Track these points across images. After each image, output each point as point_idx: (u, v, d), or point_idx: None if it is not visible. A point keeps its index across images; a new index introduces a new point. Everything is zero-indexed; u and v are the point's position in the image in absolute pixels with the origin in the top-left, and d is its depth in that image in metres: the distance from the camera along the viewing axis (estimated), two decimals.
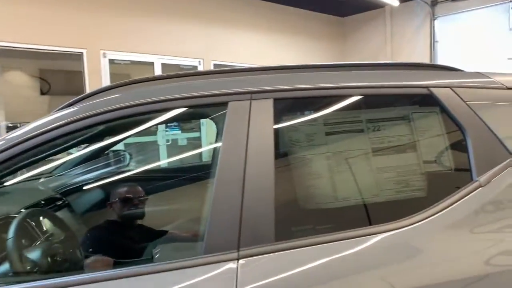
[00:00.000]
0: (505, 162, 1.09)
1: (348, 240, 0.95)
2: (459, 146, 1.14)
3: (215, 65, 6.92)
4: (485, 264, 0.96)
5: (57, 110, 1.11)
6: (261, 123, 1.03)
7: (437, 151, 1.22)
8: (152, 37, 6.15)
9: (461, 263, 0.96)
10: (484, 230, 1.01)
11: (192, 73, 1.18)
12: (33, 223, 1.33)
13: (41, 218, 1.41)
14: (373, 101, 1.21)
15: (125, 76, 6.18)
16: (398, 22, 8.68)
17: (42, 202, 1.81)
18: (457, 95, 1.16)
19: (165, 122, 1.16)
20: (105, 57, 5.69)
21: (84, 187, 1.98)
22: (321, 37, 9.01)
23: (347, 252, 0.94)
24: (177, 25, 6.47)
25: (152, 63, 6.12)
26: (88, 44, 5.55)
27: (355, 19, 9.44)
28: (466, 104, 1.15)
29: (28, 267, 1.09)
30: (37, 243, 1.23)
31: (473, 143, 1.10)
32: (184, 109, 1.09)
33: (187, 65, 6.60)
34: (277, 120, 1.09)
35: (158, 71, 6.09)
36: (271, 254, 0.89)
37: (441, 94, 1.15)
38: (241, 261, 0.87)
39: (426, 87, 1.16)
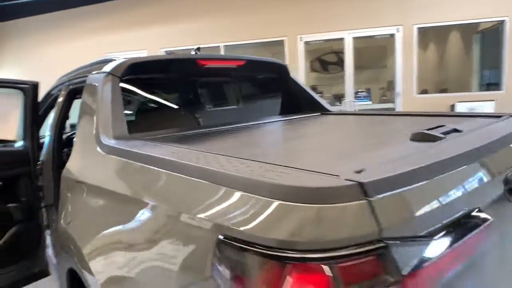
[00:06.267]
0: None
1: None
2: None
3: (419, 29, 5.86)
4: None
5: None
6: None
7: None
8: (341, 13, 6.03)
9: None
10: None
11: None
12: None
13: None
14: None
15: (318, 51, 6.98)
16: None
17: None
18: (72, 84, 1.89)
19: None
20: (301, 40, 6.47)
21: None
22: None
23: None
24: None
25: (342, 39, 6.24)
26: (288, 32, 6.43)
27: None
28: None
29: None
30: None
31: None
32: None
33: (382, 35, 6.07)
34: None
35: (349, 46, 6.23)
36: None
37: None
38: None
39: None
